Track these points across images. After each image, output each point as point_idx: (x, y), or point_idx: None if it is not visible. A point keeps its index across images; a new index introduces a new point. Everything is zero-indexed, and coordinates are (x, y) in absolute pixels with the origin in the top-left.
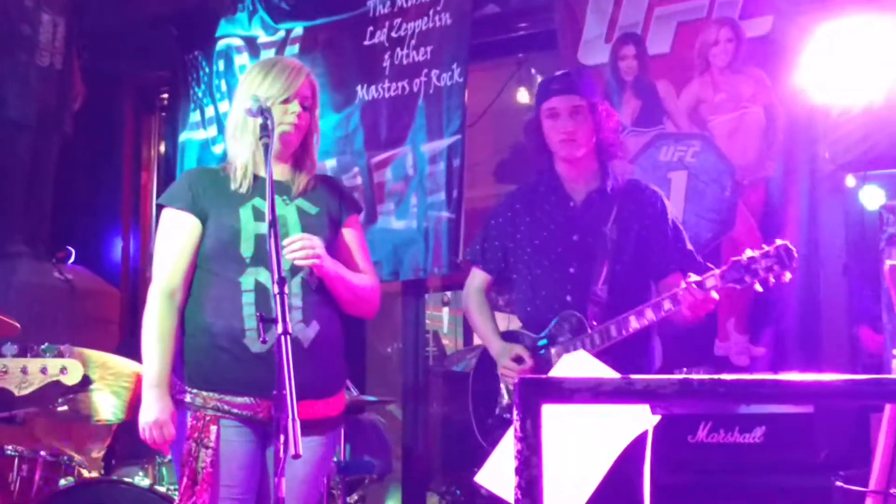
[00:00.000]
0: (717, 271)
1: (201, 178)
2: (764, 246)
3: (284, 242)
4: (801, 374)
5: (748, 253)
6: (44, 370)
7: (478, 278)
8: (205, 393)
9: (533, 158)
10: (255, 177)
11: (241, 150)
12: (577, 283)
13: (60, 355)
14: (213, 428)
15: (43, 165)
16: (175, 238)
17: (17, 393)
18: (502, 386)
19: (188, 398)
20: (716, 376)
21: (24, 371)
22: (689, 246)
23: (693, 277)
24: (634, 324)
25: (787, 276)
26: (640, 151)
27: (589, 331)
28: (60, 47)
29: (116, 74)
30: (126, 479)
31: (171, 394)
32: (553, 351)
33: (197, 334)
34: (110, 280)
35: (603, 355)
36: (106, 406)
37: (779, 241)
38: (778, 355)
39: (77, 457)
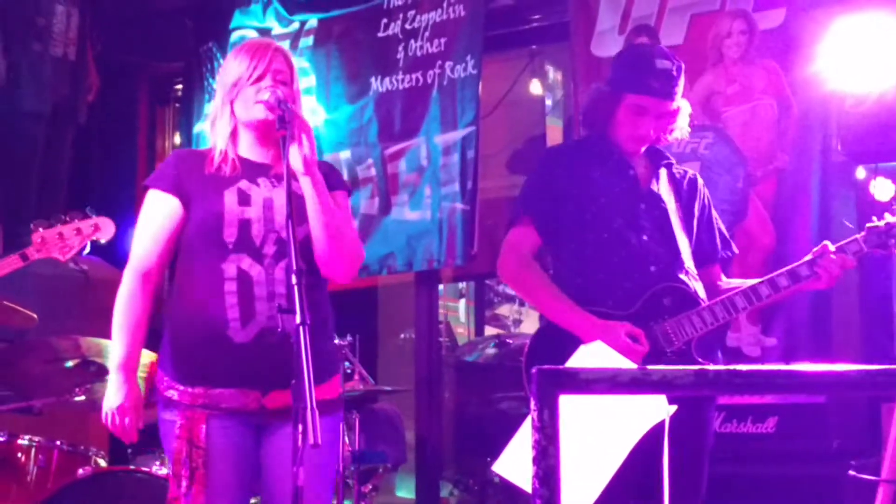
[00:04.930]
0: (859, 236)
1: (188, 159)
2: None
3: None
4: (814, 364)
5: (888, 218)
6: (78, 231)
7: (528, 240)
8: (191, 389)
9: (585, 122)
10: (242, 159)
11: (217, 136)
12: (658, 254)
13: (88, 217)
14: (203, 427)
15: (57, 156)
16: (153, 220)
17: (62, 258)
18: None
19: (176, 395)
20: (731, 367)
21: (60, 237)
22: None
23: (831, 246)
24: (766, 292)
25: None
26: None
27: (702, 304)
28: (74, 38)
29: (131, 65)
30: (143, 469)
31: (159, 389)
32: (659, 329)
33: (180, 325)
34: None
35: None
36: None
37: None
38: (789, 346)
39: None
